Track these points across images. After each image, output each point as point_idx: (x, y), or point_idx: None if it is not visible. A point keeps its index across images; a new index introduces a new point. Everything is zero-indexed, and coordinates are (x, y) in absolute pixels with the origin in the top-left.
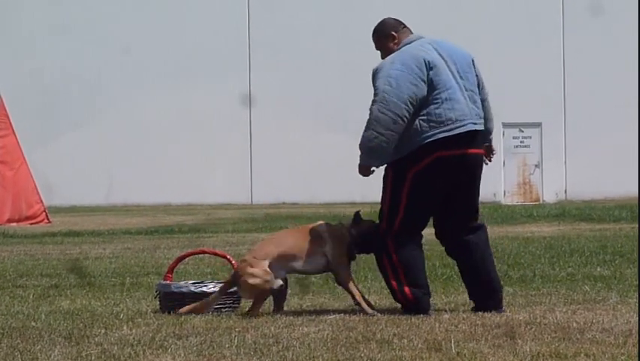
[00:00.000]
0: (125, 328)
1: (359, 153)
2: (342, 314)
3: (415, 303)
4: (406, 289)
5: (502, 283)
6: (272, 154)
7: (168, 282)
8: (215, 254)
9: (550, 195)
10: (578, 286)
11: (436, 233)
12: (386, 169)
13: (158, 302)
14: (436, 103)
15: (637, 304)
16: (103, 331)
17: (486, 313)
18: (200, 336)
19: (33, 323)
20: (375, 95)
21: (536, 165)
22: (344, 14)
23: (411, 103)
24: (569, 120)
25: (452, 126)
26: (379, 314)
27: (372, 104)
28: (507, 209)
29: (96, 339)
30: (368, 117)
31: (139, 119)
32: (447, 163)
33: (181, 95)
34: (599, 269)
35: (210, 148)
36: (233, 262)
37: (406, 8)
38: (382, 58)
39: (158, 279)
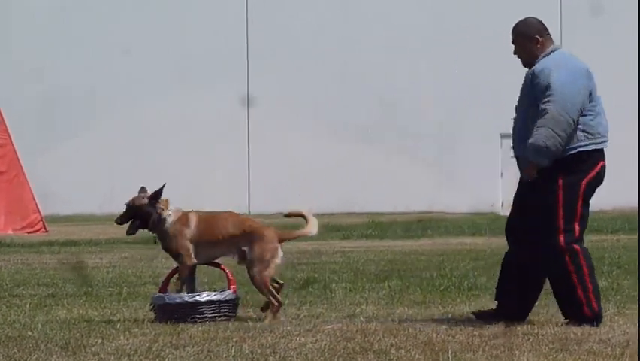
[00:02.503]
0: (122, 338)
1: (531, 151)
2: (339, 325)
3: (599, 316)
4: (594, 303)
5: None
6: (270, 160)
7: (162, 294)
8: (211, 264)
9: None
10: None
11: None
12: (551, 180)
13: (154, 313)
14: (591, 115)
15: (636, 316)
16: (100, 341)
17: (485, 324)
18: (197, 346)
19: (29, 333)
20: (550, 95)
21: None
22: (342, 16)
23: (581, 110)
24: None
25: (601, 140)
26: None
27: (547, 104)
28: (505, 220)
29: (93, 349)
30: (544, 116)
31: (137, 124)
32: (603, 174)
33: (179, 99)
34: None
35: (209, 154)
36: (228, 272)
37: (398, 10)
38: (520, 57)
39: (155, 289)
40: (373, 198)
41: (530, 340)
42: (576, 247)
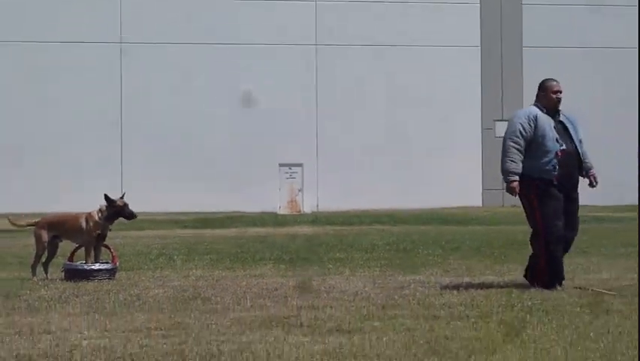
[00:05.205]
0: (42, 290)
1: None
2: (179, 282)
3: None
4: None
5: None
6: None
7: (70, 262)
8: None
9: (308, 208)
10: (325, 265)
11: None
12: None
13: (63, 275)
14: None
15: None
16: (28, 292)
17: (265, 282)
18: (90, 295)
19: None
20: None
21: (300, 190)
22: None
23: None
24: (321, 161)
25: None
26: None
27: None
28: (282, 217)
29: (24, 297)
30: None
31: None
32: None
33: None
34: (337, 254)
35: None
36: (112, 250)
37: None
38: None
39: (63, 260)
40: (201, 203)
41: (302, 292)
42: None
